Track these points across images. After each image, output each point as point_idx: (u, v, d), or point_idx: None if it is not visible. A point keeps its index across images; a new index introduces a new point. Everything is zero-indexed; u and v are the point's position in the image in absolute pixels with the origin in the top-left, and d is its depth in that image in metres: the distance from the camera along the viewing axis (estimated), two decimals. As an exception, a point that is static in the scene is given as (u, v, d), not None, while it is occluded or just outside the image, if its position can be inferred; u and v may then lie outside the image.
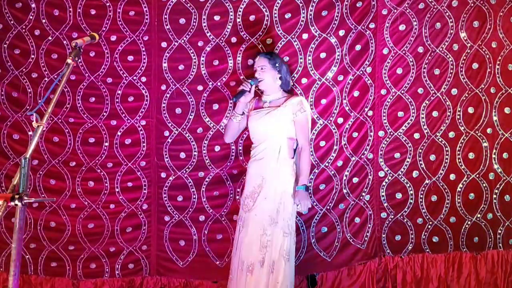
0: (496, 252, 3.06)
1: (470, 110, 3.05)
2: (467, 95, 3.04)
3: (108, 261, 3.08)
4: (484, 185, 3.06)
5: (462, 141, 3.05)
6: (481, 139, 3.06)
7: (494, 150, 3.06)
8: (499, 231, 3.08)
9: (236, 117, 2.72)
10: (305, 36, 3.01)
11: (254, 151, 2.73)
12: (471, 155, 3.05)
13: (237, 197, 3.06)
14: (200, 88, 3.07)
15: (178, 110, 3.07)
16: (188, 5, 3.03)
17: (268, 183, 2.63)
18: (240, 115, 2.73)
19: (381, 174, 3.06)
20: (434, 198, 3.06)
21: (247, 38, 3.03)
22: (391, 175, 3.06)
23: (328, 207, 3.05)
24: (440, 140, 3.05)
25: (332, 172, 3.05)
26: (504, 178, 3.07)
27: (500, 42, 3.02)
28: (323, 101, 3.04)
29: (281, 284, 2.54)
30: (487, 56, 3.02)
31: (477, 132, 3.05)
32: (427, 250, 3.06)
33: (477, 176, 3.06)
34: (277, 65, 2.74)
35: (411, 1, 2.97)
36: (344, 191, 3.05)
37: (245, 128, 2.90)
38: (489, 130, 3.05)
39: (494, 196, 3.07)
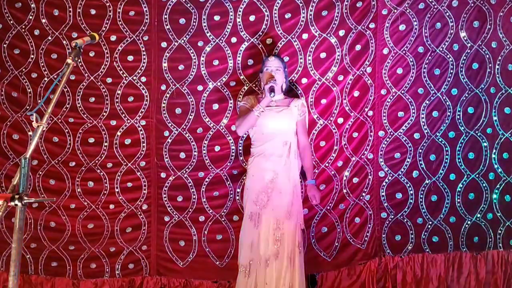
0: (496, 252, 3.06)
1: (470, 110, 3.05)
2: (467, 95, 3.04)
3: (108, 261, 3.08)
4: (484, 185, 3.06)
5: (462, 141, 3.05)
6: (481, 139, 3.06)
7: (494, 150, 3.06)
8: (499, 231, 3.08)
9: (260, 112, 2.71)
10: (305, 36, 3.01)
11: (263, 147, 2.75)
12: (471, 155, 3.05)
13: (237, 197, 3.06)
14: (200, 88, 3.07)
15: (178, 110, 3.07)
16: (188, 5, 3.03)
17: (281, 177, 2.70)
18: (263, 110, 2.72)
19: (381, 174, 3.06)
20: (434, 198, 3.06)
21: (247, 38, 3.03)
22: (391, 175, 3.06)
23: (328, 207, 3.05)
24: (440, 140, 3.05)
25: (332, 172, 3.05)
26: (504, 178, 3.07)
27: (500, 42, 3.02)
28: (323, 101, 3.04)
29: (299, 275, 2.64)
30: (487, 56, 3.02)
31: (477, 132, 3.05)
32: (427, 250, 3.06)
33: (477, 176, 3.06)
34: (285, 69, 2.86)
35: (411, 1, 2.97)
36: (344, 191, 3.05)
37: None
38: (489, 130, 3.05)
39: (494, 196, 3.07)
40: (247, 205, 2.76)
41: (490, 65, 3.03)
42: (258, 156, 2.76)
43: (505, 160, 3.06)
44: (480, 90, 3.04)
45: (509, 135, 3.06)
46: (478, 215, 3.07)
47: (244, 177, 3.03)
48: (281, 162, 2.70)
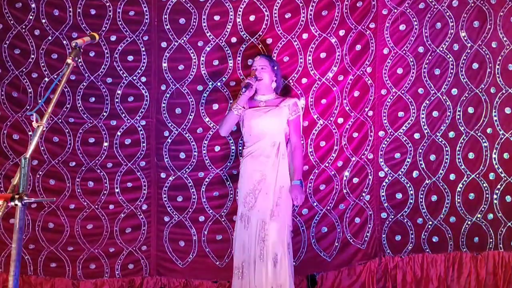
0: (497, 253, 3.05)
1: (470, 110, 3.05)
2: (467, 95, 3.04)
3: (107, 262, 3.07)
4: (484, 185, 3.06)
5: (462, 141, 3.05)
6: (481, 139, 3.05)
7: (495, 150, 3.06)
8: (500, 232, 3.07)
9: (239, 110, 2.71)
10: (305, 36, 3.01)
11: (251, 148, 2.74)
12: (471, 155, 3.05)
13: (237, 197, 3.06)
14: (200, 88, 3.06)
15: (178, 110, 3.07)
16: (188, 5, 3.03)
17: (268, 178, 2.68)
18: (242, 108, 2.73)
19: (381, 174, 3.06)
20: (434, 198, 3.06)
21: (247, 38, 3.03)
22: (391, 175, 3.06)
23: (328, 208, 3.05)
24: (440, 140, 3.05)
25: (332, 173, 3.05)
26: (505, 178, 3.06)
27: (500, 42, 3.02)
28: (323, 101, 3.04)
29: (287, 276, 2.59)
30: (487, 56, 3.02)
31: (477, 132, 3.05)
32: (427, 250, 3.06)
33: (477, 176, 3.06)
34: (275, 68, 2.82)
35: (412, 1, 2.97)
36: (344, 191, 3.05)
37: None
38: (489, 130, 3.05)
39: (495, 196, 3.06)
40: (238, 206, 2.77)
41: (490, 65, 3.03)
42: (247, 157, 2.75)
43: (506, 161, 3.05)
44: (480, 90, 3.04)
45: (510, 135, 3.06)
46: (479, 216, 3.07)
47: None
48: (269, 163, 2.68)
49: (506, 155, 3.05)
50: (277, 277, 2.59)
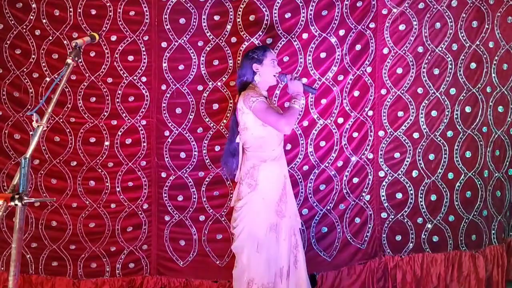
0: (492, 248, 3.08)
1: (468, 109, 3.06)
2: (464, 94, 3.05)
3: (108, 261, 3.08)
4: (479, 182, 3.08)
5: (460, 140, 3.06)
6: (477, 137, 3.07)
7: (488, 148, 3.08)
8: (493, 227, 3.12)
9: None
10: (305, 36, 3.02)
11: (276, 151, 2.47)
12: (468, 154, 3.07)
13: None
14: (200, 88, 3.07)
15: (178, 110, 3.08)
16: (188, 5, 3.04)
17: (288, 181, 2.53)
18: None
19: (381, 174, 3.07)
20: (433, 197, 3.07)
21: (247, 38, 3.04)
22: (391, 175, 3.07)
23: (328, 208, 3.06)
24: (438, 139, 3.06)
25: (333, 173, 3.05)
26: (496, 174, 3.09)
27: (497, 42, 3.03)
28: (323, 101, 3.04)
29: (306, 277, 2.50)
30: (484, 56, 3.03)
31: (473, 131, 3.06)
32: (427, 249, 3.07)
33: (473, 174, 3.07)
34: None
35: (411, 1, 2.98)
36: (344, 191, 3.06)
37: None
38: (484, 129, 3.08)
39: (488, 192, 3.09)
40: (264, 216, 2.39)
41: (487, 64, 3.04)
42: (270, 161, 2.43)
43: (497, 157, 3.10)
44: (477, 89, 3.05)
45: (501, 132, 3.08)
46: (475, 213, 3.09)
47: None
48: (286, 165, 2.56)
49: (497, 152, 3.10)
50: (299, 278, 2.47)
